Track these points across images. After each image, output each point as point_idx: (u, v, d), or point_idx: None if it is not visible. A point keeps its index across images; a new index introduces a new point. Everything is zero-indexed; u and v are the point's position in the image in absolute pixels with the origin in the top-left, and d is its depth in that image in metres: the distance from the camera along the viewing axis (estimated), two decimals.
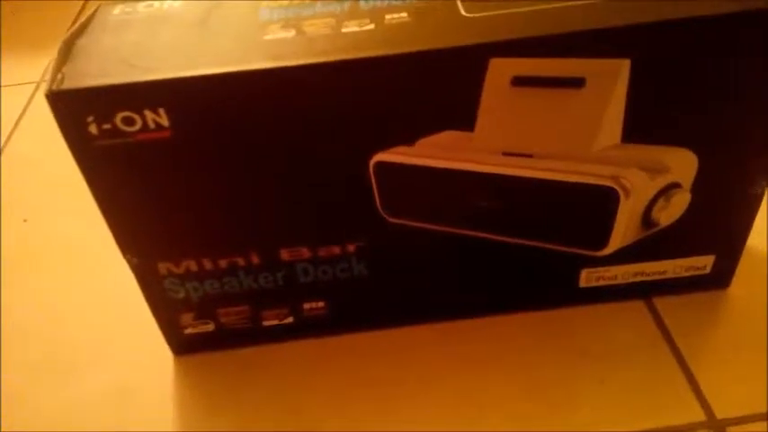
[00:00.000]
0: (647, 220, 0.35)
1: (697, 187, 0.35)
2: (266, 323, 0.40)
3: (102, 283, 0.45)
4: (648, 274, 0.40)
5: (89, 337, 0.43)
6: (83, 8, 0.78)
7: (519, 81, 0.31)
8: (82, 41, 0.31)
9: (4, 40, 0.74)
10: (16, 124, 0.62)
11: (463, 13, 0.31)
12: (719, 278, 0.40)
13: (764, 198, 0.36)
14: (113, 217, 0.33)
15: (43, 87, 0.63)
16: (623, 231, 0.35)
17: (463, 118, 0.32)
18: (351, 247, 0.36)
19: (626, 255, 0.37)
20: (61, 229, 0.51)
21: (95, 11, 0.33)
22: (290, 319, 0.40)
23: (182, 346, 0.40)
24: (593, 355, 0.38)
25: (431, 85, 0.30)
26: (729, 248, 0.39)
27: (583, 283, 0.39)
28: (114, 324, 0.43)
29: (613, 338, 0.39)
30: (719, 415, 0.35)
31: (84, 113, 0.29)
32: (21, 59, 0.71)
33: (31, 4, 0.79)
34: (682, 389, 0.36)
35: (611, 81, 0.30)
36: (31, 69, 0.68)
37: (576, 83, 0.31)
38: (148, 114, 0.29)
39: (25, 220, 0.52)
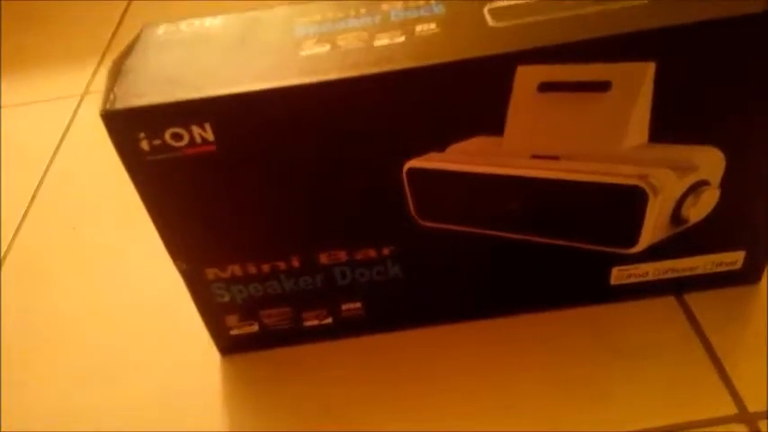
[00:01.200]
0: (676, 217, 0.36)
1: (726, 184, 0.35)
2: (307, 324, 0.42)
3: (150, 289, 0.48)
4: (679, 271, 0.40)
5: (139, 340, 0.45)
6: (119, 25, 0.80)
7: (545, 87, 0.32)
8: (129, 62, 0.33)
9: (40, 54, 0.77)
10: (63, 137, 0.65)
11: (490, 22, 0.32)
12: (750, 273, 0.41)
13: None
14: (164, 226, 0.35)
15: (87, 100, 0.67)
16: (653, 229, 0.36)
17: (492, 124, 0.33)
18: (386, 251, 0.38)
19: (656, 252, 0.38)
20: (111, 237, 0.53)
21: (140, 31, 0.35)
22: (329, 320, 0.42)
23: (228, 346, 0.42)
24: (624, 351, 0.39)
25: (461, 93, 0.32)
26: (759, 244, 0.39)
27: (614, 281, 0.40)
28: (164, 327, 0.45)
29: (645, 335, 0.40)
30: (752, 408, 0.36)
31: (135, 131, 0.31)
32: (58, 73, 0.74)
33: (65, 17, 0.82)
34: (713, 383, 0.37)
35: (637, 84, 0.31)
36: (70, 83, 0.71)
37: (602, 86, 0.31)
38: (195, 130, 0.31)
39: (74, 228, 0.54)
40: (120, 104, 0.31)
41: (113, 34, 0.78)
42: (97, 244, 0.53)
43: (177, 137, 0.31)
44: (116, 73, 0.33)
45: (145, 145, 0.31)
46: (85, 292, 0.49)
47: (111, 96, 0.31)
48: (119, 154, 0.32)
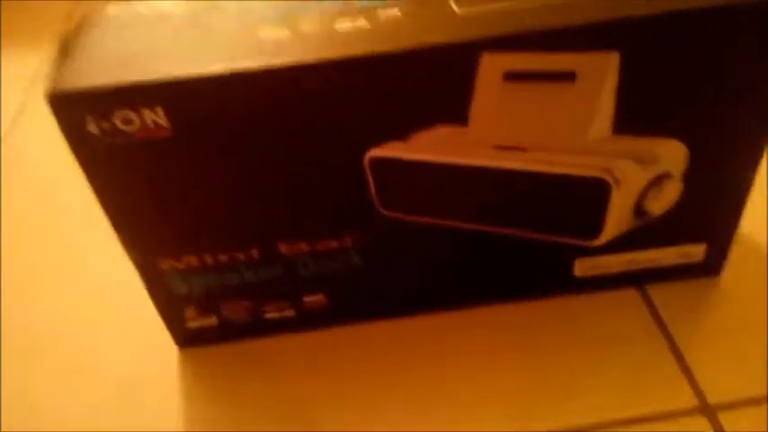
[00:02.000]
0: (639, 209, 0.36)
1: (688, 177, 0.35)
2: (268, 316, 0.41)
3: (105, 280, 0.46)
4: (642, 262, 0.40)
5: (94, 334, 0.43)
6: (76, 3, 0.78)
7: (511, 76, 0.31)
8: (78, 41, 0.32)
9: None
10: (14, 121, 0.62)
11: (455, 9, 0.31)
12: (711, 266, 0.41)
13: (755, 186, 0.37)
14: (115, 215, 0.33)
15: (38, 81, 0.64)
16: (616, 221, 0.35)
17: (456, 113, 0.32)
18: (347, 241, 0.37)
19: (619, 244, 0.38)
20: (64, 227, 0.51)
21: (92, 10, 0.34)
22: (292, 312, 0.41)
23: (186, 339, 0.41)
24: (587, 343, 0.39)
25: (424, 81, 0.31)
26: (720, 237, 0.39)
27: (577, 273, 0.40)
28: (119, 320, 0.44)
29: (608, 326, 0.40)
30: (711, 400, 0.36)
31: (82, 113, 0.30)
32: (18, 53, 0.71)
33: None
34: (674, 375, 0.37)
35: (601, 74, 0.31)
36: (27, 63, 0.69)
37: (567, 77, 0.31)
38: (146, 113, 0.30)
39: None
40: (66, 85, 0.29)
41: (68, 17, 0.75)
42: (50, 234, 0.51)
43: (127, 121, 0.30)
44: (63, 53, 0.31)
45: (93, 128, 0.30)
46: (38, 285, 0.47)
47: (57, 77, 0.30)
48: (65, 137, 0.30)
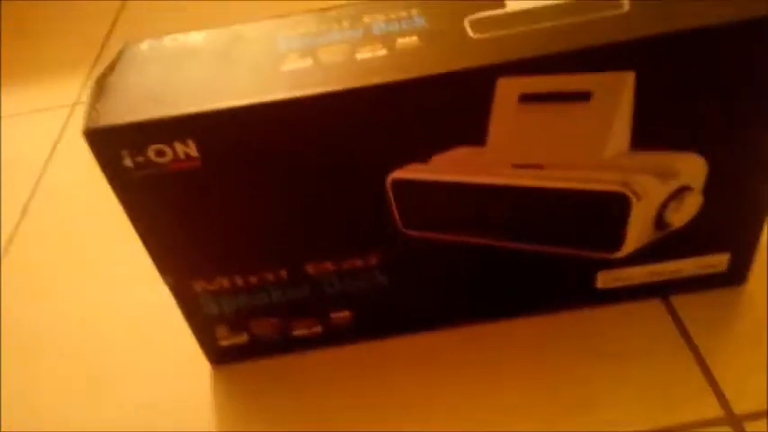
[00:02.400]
0: (659, 222, 0.36)
1: (708, 189, 0.36)
2: (296, 333, 0.42)
3: (140, 301, 0.48)
4: (664, 274, 0.41)
5: (130, 352, 0.45)
6: (109, 34, 0.80)
7: (526, 98, 0.32)
8: (112, 79, 0.33)
9: (32, 64, 0.77)
10: (54, 147, 0.65)
11: (471, 34, 0.32)
12: (735, 275, 0.41)
13: None
14: (150, 241, 0.35)
15: (78, 110, 0.67)
16: (637, 234, 0.36)
17: (475, 134, 0.33)
18: (372, 260, 0.38)
19: (642, 256, 0.38)
20: (101, 250, 0.53)
21: (123, 48, 0.35)
22: (319, 329, 0.42)
23: (218, 356, 0.43)
24: (611, 355, 0.39)
25: (443, 105, 0.32)
26: (743, 246, 0.39)
27: (600, 285, 0.41)
28: (154, 339, 0.45)
29: (631, 338, 0.40)
30: (737, 410, 0.36)
31: (118, 148, 0.31)
32: (50, 83, 0.74)
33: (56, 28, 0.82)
34: (699, 385, 0.37)
35: (617, 93, 0.31)
36: (60, 93, 0.71)
37: (583, 96, 0.32)
38: (178, 146, 0.31)
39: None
40: (103, 122, 0.31)
41: (103, 45, 0.78)
42: (87, 256, 0.53)
43: (161, 153, 0.31)
44: (98, 90, 0.33)
45: (128, 162, 0.31)
46: (76, 305, 0.49)
47: (94, 114, 0.31)
48: (103, 170, 0.32)
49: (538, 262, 0.39)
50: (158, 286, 0.38)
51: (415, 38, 0.32)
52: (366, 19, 0.34)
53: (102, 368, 0.44)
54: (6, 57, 0.79)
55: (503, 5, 0.33)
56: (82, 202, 0.58)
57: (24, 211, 0.58)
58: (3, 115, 0.70)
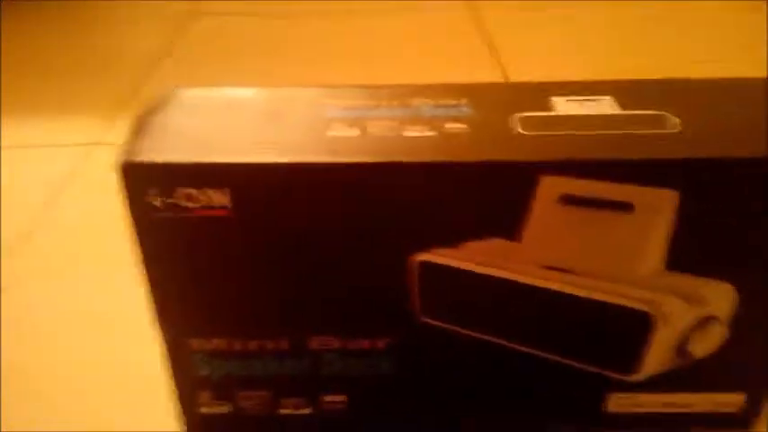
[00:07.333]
0: (681, 350, 0.35)
1: (734, 323, 0.35)
2: (283, 411, 0.39)
3: (121, 354, 0.45)
4: (676, 406, 0.39)
5: (102, 406, 0.42)
6: (143, 81, 0.82)
7: (567, 200, 0.32)
8: (155, 119, 0.33)
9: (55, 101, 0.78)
10: (63, 185, 0.64)
11: (519, 130, 0.32)
12: (749, 418, 0.39)
13: None
14: (158, 284, 0.33)
15: (96, 150, 0.67)
16: (656, 359, 0.35)
17: (510, 228, 0.32)
18: (380, 343, 0.36)
19: (656, 384, 0.37)
20: (95, 294, 0.51)
21: (171, 91, 0.35)
22: (308, 410, 0.39)
23: (195, 425, 0.39)
24: None
25: (483, 194, 0.31)
26: (760, 389, 0.38)
27: (610, 408, 0.39)
28: (127, 396, 0.42)
29: None
30: None
31: (149, 185, 0.30)
32: (66, 121, 0.74)
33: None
34: None
35: (659, 210, 0.31)
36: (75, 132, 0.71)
37: (625, 207, 0.31)
38: (211, 193, 0.30)
39: None
40: (140, 157, 0.30)
41: (134, 91, 0.79)
42: (81, 301, 0.50)
43: (190, 197, 0.31)
44: (140, 127, 0.32)
45: (156, 201, 0.30)
46: (66, 349, 0.46)
47: (131, 148, 0.31)
48: (128, 207, 0.31)
49: (550, 373, 0.37)
50: (146, 338, 0.36)
51: (464, 125, 0.33)
52: (416, 101, 0.35)
53: (79, 419, 0.41)
54: (19, 90, 0.79)
55: (551, 108, 0.34)
56: (84, 239, 0.56)
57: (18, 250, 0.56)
58: (12, 146, 0.69)
